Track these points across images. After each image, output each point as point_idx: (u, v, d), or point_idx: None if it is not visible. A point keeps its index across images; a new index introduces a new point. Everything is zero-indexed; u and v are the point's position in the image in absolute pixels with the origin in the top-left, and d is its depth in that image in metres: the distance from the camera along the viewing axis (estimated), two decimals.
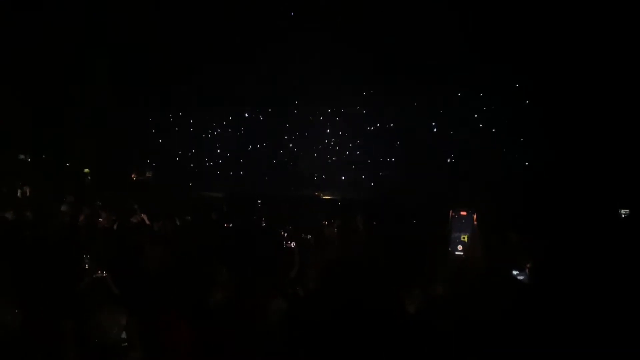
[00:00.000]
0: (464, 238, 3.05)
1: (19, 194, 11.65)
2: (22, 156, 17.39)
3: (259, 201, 14.22)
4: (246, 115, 20.59)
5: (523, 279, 4.19)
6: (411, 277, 4.36)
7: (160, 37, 16.72)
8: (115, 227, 8.79)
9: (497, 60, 14.47)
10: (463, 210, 3.07)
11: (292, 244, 6.42)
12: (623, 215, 11.68)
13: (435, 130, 17.89)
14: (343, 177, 19.93)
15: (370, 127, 19.58)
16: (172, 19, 16.39)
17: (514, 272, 3.88)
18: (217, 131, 20.96)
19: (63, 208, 9.72)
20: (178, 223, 9.65)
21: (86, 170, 18.19)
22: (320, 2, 16.33)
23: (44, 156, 17.81)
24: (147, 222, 9.25)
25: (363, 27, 15.98)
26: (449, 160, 17.43)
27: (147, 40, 16.70)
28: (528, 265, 4.34)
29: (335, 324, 3.97)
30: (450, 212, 3.07)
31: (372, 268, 5.56)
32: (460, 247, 3.02)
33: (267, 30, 17.01)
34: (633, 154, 12.21)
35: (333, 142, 20.50)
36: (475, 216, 3.06)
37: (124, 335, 3.55)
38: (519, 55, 14.11)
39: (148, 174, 19.57)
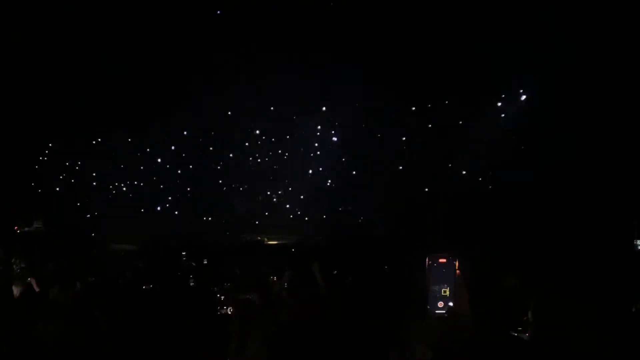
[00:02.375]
0: (445, 292, 3.02)
1: None
2: None
3: (184, 253, 14.08)
4: (163, 141, 20.40)
5: (525, 336, 4.26)
6: (386, 342, 4.39)
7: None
8: None
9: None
10: (442, 257, 3.04)
11: (228, 310, 6.36)
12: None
13: (405, 156, 18.11)
14: (291, 216, 19.90)
15: (325, 152, 19.72)
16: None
17: (513, 333, 3.95)
18: (126, 164, 20.69)
19: None
20: (79, 286, 9.48)
21: None
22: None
23: None
24: (37, 288, 9.03)
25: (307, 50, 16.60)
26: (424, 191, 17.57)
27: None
28: (525, 318, 4.43)
29: None
30: (427, 259, 3.03)
31: (335, 332, 5.54)
32: (441, 304, 2.99)
33: (196, 56, 17.20)
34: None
35: (276, 170, 20.53)
36: (457, 263, 3.05)
37: None
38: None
39: (37, 224, 19.08)
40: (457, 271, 3.16)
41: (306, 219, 19.93)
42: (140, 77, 17.71)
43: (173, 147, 20.46)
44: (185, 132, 20.22)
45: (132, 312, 7.41)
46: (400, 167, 18.12)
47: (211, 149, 20.66)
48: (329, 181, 19.75)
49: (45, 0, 16.38)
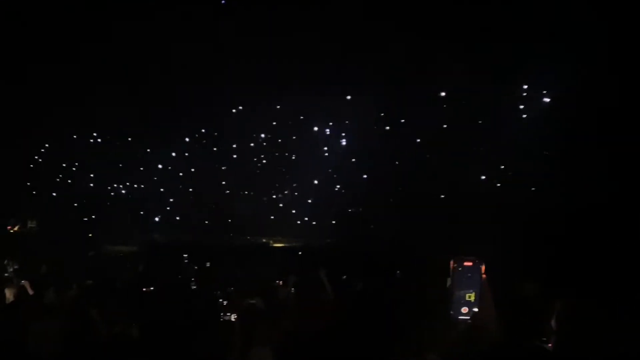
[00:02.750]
0: (469, 297, 2.93)
1: None
2: None
3: (186, 255, 14.07)
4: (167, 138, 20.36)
5: (547, 346, 4.15)
6: (400, 352, 4.31)
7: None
8: None
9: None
10: (468, 260, 2.95)
11: (232, 317, 6.27)
12: None
13: (423, 149, 17.94)
14: (298, 218, 19.81)
15: (335, 147, 19.64)
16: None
17: (536, 342, 3.83)
18: (125, 165, 20.68)
19: None
20: (75, 289, 9.46)
21: None
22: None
23: None
24: (31, 291, 8.99)
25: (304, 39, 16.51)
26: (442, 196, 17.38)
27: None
28: (548, 326, 4.32)
29: None
30: (451, 262, 2.94)
31: (344, 341, 5.48)
32: (465, 310, 2.90)
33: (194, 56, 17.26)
34: None
35: (282, 171, 20.46)
36: (483, 267, 2.95)
37: None
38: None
39: (31, 224, 19.11)
40: (483, 275, 3.07)
41: (313, 223, 19.87)
42: (141, 77, 17.74)
43: (176, 147, 20.45)
44: (188, 133, 20.23)
45: (130, 316, 7.36)
46: (414, 169, 18.00)
47: (215, 149, 20.63)
48: (338, 182, 19.65)
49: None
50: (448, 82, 16.55)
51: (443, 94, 17.24)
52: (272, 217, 20.18)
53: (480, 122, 16.66)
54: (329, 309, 7.20)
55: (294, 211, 20.14)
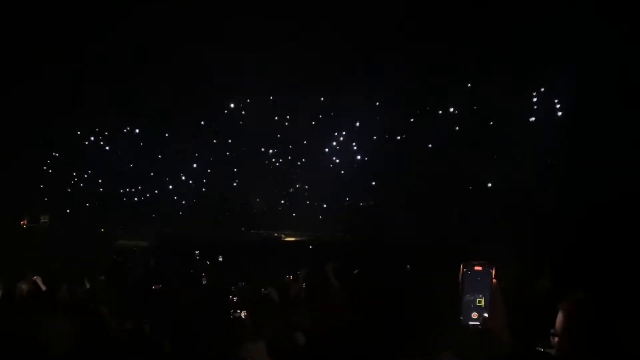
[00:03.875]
0: (479, 302, 2.91)
1: None
2: None
3: (197, 252, 14.08)
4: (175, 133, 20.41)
5: (552, 351, 4.11)
6: (409, 352, 4.30)
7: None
8: None
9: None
10: (478, 265, 2.93)
11: (242, 314, 6.27)
12: None
13: (434, 145, 17.93)
14: (309, 211, 19.83)
15: (348, 142, 19.64)
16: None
17: (539, 348, 3.81)
18: (138, 156, 20.74)
19: None
20: (88, 286, 9.49)
21: None
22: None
23: None
24: (43, 286, 9.04)
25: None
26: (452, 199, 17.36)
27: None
28: (552, 331, 4.30)
29: None
30: (461, 266, 2.91)
31: (352, 339, 5.48)
32: (475, 315, 2.88)
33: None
34: None
35: (296, 163, 20.48)
36: (494, 271, 2.93)
37: None
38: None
39: (43, 219, 19.18)
40: (494, 280, 3.05)
41: (322, 215, 19.87)
42: (150, 76, 17.81)
43: (188, 145, 20.56)
44: (200, 130, 20.34)
45: (141, 312, 7.39)
46: (426, 166, 17.99)
47: (227, 153, 20.71)
48: (350, 177, 19.66)
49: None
50: (461, 84, 16.67)
51: (452, 109, 17.42)
52: (284, 211, 20.24)
53: (491, 122, 16.69)
54: (340, 305, 7.20)
55: (307, 202, 20.18)
